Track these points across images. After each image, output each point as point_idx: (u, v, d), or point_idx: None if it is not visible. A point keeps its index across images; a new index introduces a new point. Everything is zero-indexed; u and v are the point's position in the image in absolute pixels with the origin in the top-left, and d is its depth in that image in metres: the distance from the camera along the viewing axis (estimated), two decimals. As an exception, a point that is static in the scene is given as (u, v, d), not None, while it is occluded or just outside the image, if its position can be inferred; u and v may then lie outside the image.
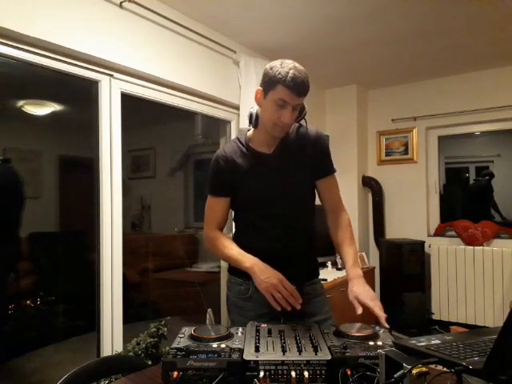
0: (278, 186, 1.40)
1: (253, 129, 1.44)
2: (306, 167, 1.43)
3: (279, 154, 1.42)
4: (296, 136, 1.44)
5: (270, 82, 1.29)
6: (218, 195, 1.45)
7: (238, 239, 1.47)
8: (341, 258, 1.47)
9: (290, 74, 1.25)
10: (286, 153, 1.42)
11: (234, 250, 1.39)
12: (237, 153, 1.43)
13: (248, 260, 1.33)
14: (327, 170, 1.48)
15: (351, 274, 1.36)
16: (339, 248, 1.45)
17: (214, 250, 1.45)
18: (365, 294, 1.28)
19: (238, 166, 1.41)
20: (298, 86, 1.26)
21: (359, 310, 1.26)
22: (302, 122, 1.44)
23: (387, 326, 1.18)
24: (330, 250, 2.71)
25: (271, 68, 1.29)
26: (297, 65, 1.29)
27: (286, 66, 1.27)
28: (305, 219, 1.48)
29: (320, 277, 1.56)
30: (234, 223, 1.55)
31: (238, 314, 1.46)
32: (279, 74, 1.26)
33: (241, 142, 1.45)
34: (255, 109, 1.40)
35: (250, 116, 1.41)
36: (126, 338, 2.16)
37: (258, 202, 1.42)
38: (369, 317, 1.22)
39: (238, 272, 1.42)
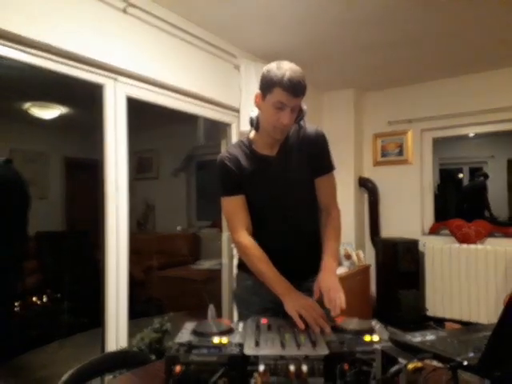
0: (283, 187, 1.42)
1: (254, 131, 1.46)
2: (308, 167, 1.44)
3: (282, 155, 1.44)
4: (297, 137, 1.45)
5: (267, 86, 1.30)
6: (235, 194, 1.42)
7: None
8: (322, 251, 1.47)
9: (286, 76, 1.25)
10: (289, 154, 1.44)
11: (268, 266, 1.35)
12: (241, 155, 1.44)
13: (281, 286, 1.31)
14: (326, 168, 1.49)
15: (324, 265, 1.37)
16: (323, 242, 1.45)
17: (246, 258, 1.42)
18: (326, 283, 1.29)
19: (243, 168, 1.42)
20: (295, 87, 1.26)
21: (316, 295, 1.29)
22: (302, 122, 1.45)
23: (333, 315, 1.20)
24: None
25: (268, 71, 1.30)
26: (293, 66, 1.30)
27: (281, 68, 1.27)
28: (310, 218, 1.50)
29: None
30: None
31: (244, 308, 1.50)
32: (275, 76, 1.26)
33: (244, 145, 1.47)
34: (256, 112, 1.43)
35: (251, 120, 1.44)
36: (131, 334, 2.19)
37: (263, 203, 1.44)
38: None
39: (245, 267, 1.44)
